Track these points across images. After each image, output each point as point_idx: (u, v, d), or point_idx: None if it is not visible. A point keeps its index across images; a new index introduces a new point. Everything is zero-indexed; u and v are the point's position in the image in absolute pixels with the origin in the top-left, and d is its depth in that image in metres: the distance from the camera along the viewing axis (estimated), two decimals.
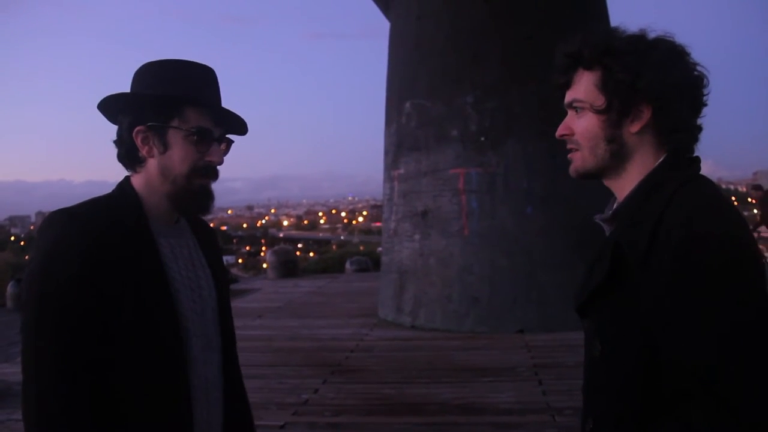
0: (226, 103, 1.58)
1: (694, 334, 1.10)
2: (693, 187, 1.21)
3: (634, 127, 1.28)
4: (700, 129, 1.30)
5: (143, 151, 1.51)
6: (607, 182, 1.35)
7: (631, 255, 1.19)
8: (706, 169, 1.31)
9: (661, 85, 1.24)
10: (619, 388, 1.24)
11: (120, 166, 1.57)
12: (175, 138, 1.49)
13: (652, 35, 1.28)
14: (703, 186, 1.23)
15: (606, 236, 1.35)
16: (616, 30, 1.30)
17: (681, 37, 1.28)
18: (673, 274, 1.12)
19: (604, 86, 1.27)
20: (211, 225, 1.85)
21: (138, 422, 1.41)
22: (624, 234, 1.24)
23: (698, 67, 1.27)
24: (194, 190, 1.52)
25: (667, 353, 1.14)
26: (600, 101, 1.28)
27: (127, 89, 1.53)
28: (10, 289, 11.20)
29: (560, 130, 1.36)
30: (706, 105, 1.29)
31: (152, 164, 1.52)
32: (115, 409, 1.39)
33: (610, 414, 1.27)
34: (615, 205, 1.35)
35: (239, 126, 1.63)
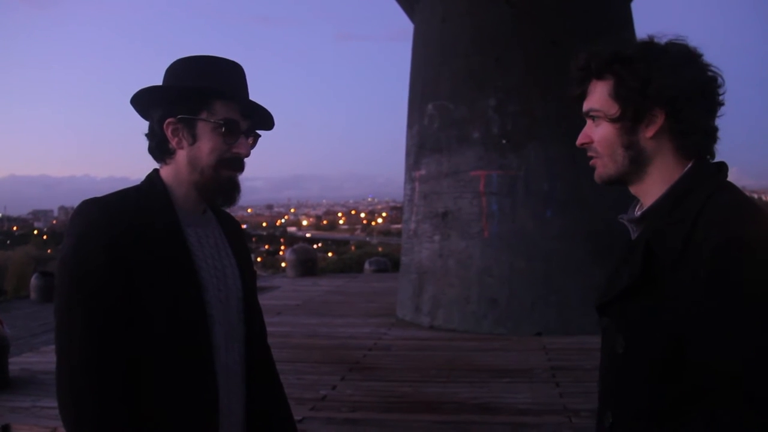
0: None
1: (727, 336, 1.11)
2: (725, 193, 1.23)
3: (649, 132, 1.29)
4: (716, 129, 1.31)
5: (173, 143, 1.56)
6: (631, 188, 1.37)
7: (663, 256, 1.21)
8: (731, 177, 1.32)
9: (671, 88, 1.25)
10: (642, 383, 1.26)
11: (140, 162, 1.63)
12: (203, 130, 1.55)
13: (663, 40, 1.29)
14: (735, 192, 1.25)
15: (632, 238, 1.36)
16: (627, 40, 1.33)
17: (703, 41, 1.29)
18: (709, 277, 1.13)
19: (617, 94, 1.30)
20: None
21: (165, 405, 1.46)
22: (655, 236, 1.25)
23: (711, 69, 1.28)
24: (221, 181, 1.57)
25: (698, 353, 1.16)
26: (614, 110, 1.31)
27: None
28: (33, 281, 11.34)
29: (580, 139, 1.39)
30: (722, 104, 1.30)
31: (181, 156, 1.57)
32: (142, 391, 1.44)
33: (630, 408, 1.29)
34: (640, 208, 1.37)
35: (266, 120, 1.68)
